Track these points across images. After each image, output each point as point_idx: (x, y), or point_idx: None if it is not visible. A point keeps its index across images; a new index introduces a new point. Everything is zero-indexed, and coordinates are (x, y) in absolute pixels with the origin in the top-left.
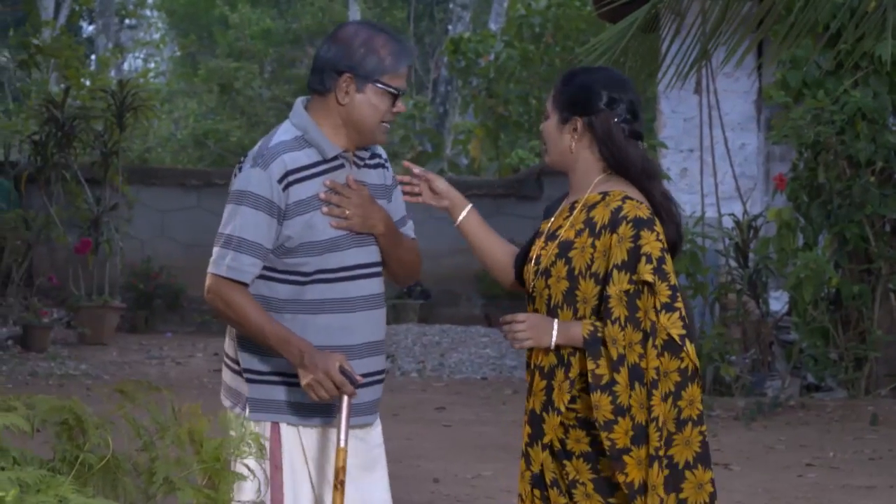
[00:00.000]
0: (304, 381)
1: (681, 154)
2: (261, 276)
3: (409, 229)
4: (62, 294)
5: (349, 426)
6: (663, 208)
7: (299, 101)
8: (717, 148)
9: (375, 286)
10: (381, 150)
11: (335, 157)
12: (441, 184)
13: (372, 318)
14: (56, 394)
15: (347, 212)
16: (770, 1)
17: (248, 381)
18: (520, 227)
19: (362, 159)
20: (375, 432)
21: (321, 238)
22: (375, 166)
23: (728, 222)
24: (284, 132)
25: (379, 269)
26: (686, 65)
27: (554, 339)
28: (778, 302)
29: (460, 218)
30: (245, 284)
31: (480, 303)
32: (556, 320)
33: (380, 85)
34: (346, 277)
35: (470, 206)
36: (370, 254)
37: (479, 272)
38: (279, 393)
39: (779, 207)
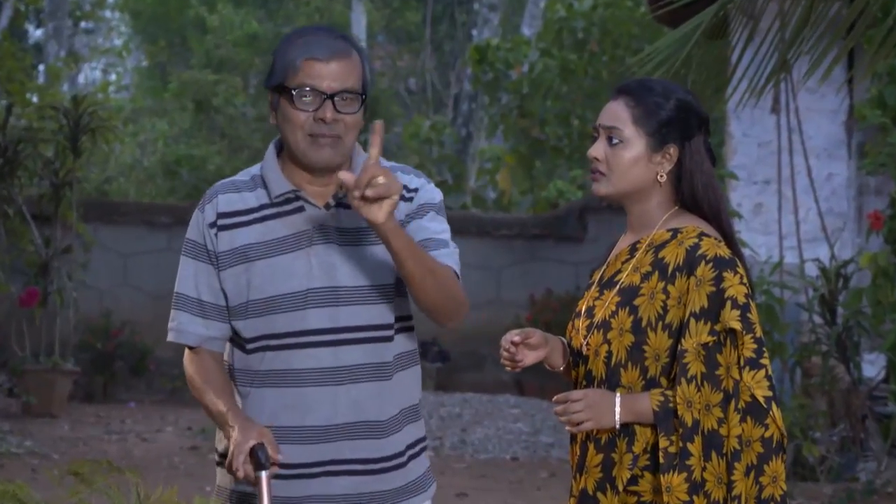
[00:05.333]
0: None
1: (755, 186)
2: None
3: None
4: (3, 355)
5: None
6: (736, 248)
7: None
8: (798, 179)
9: (348, 355)
10: (405, 181)
11: (286, 200)
12: (536, 337)
13: (340, 396)
14: None
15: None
16: (863, 1)
17: (217, 463)
18: (559, 275)
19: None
20: None
21: (259, 297)
22: None
23: (812, 269)
24: (250, 169)
25: (360, 334)
26: (761, 78)
27: (618, 417)
28: (873, 367)
29: (564, 364)
30: (192, 348)
31: None
32: (618, 395)
33: (284, 91)
34: (294, 345)
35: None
36: (342, 317)
37: (509, 329)
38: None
39: (874, 251)
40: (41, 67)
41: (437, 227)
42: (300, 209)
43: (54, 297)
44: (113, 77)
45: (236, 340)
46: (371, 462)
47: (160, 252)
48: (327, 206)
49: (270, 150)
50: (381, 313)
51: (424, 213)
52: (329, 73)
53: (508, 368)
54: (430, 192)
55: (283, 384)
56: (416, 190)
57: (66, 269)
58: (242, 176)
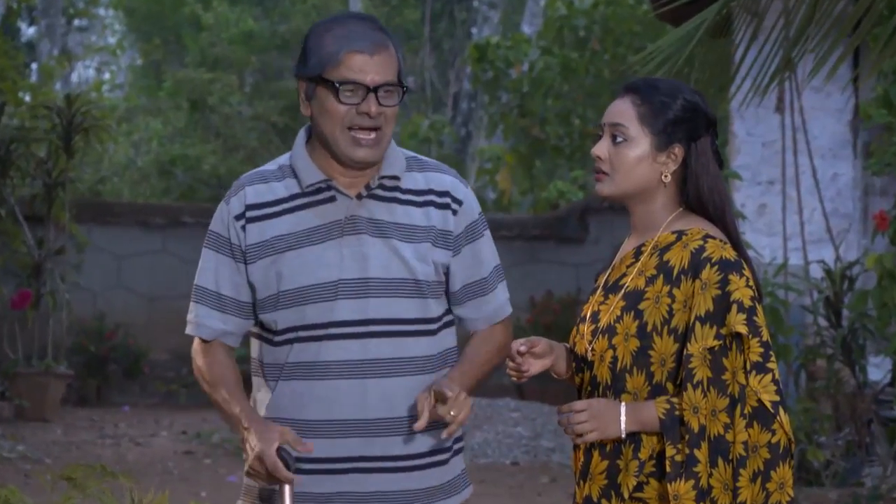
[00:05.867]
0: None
1: (758, 187)
2: (253, 333)
3: (499, 306)
4: None
5: None
6: (742, 251)
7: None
8: (803, 179)
9: (377, 349)
10: (449, 186)
11: (317, 189)
12: (542, 346)
13: (370, 389)
14: None
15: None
16: None
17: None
18: (559, 277)
19: (389, 190)
20: None
21: (289, 287)
22: (423, 204)
23: (817, 271)
24: (277, 159)
25: (390, 327)
26: (765, 77)
27: (623, 426)
28: (878, 370)
29: (569, 371)
30: (207, 342)
31: None
32: (623, 403)
33: (323, 82)
34: (323, 336)
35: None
36: (372, 309)
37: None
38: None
39: (879, 253)
40: (34, 66)
41: (490, 250)
42: (331, 199)
43: (47, 299)
44: (107, 76)
45: (263, 335)
46: (402, 459)
47: (155, 253)
48: (359, 197)
49: (300, 139)
50: (414, 307)
51: (479, 233)
52: (372, 67)
53: (514, 379)
54: (473, 204)
55: (311, 376)
56: (461, 202)
57: (59, 270)
58: (269, 166)
